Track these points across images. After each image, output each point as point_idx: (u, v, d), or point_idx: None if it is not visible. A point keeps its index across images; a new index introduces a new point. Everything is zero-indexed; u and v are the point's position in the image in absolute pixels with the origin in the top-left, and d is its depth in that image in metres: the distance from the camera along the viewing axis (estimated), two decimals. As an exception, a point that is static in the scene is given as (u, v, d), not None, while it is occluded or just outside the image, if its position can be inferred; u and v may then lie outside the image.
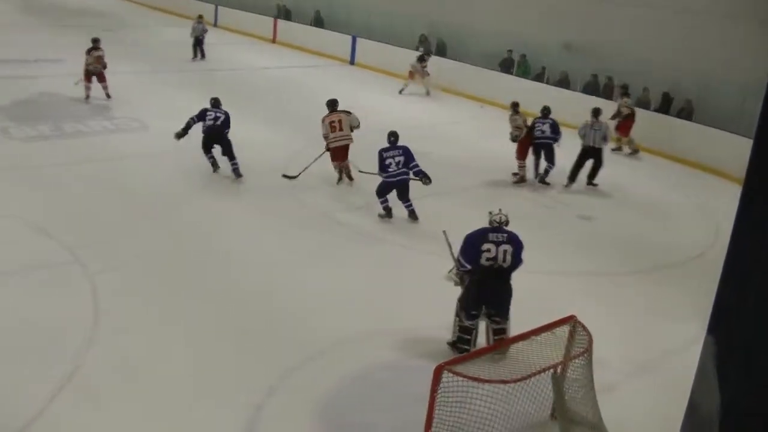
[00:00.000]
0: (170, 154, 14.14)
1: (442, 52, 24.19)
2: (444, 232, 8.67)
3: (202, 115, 13.34)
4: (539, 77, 21.22)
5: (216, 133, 13.20)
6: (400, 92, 22.27)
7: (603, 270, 10.96)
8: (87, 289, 9.06)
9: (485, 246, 7.79)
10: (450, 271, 8.46)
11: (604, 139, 14.46)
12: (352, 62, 26.56)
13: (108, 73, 18.16)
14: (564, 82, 20.46)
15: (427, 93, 22.44)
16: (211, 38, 29.13)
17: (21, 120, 15.73)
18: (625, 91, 17.64)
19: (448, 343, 8.26)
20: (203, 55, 25.57)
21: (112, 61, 19.67)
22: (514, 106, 14.90)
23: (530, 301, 9.31)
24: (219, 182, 13.07)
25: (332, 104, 13.66)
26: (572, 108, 19.07)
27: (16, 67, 20.30)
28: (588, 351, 6.39)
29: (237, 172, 13.23)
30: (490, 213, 8.04)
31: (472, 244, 7.88)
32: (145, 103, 18.12)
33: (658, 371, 8.29)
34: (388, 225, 11.82)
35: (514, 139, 14.55)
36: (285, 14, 31.03)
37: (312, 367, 7.84)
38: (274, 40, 30.06)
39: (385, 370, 7.92)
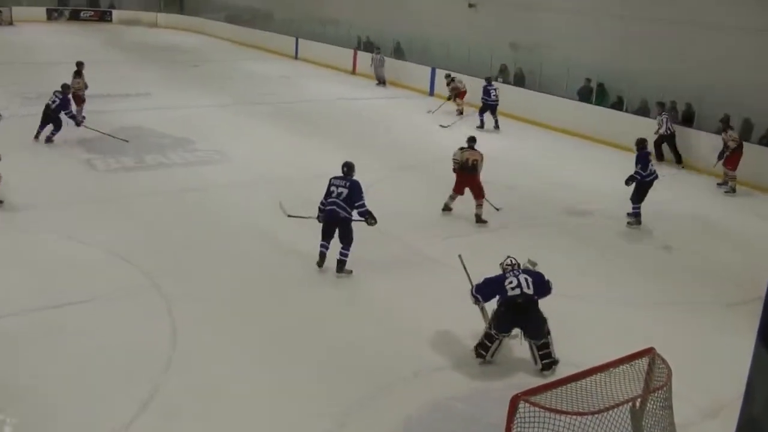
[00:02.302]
0: (249, 184, 14.43)
1: (520, 82, 24.06)
2: (459, 256, 9.15)
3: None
4: (617, 105, 20.85)
5: (51, 112, 16.27)
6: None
7: (685, 301, 10.64)
8: (166, 315, 9.28)
9: (507, 280, 8.36)
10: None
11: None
12: (431, 93, 26.56)
13: (193, 107, 18.55)
14: (643, 110, 20.02)
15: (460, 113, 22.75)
16: (291, 71, 29.71)
17: (105, 152, 16.26)
18: (727, 124, 16.59)
19: (476, 351, 8.55)
20: (384, 83, 28.04)
21: (196, 94, 20.20)
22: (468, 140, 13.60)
23: (608, 331, 9.19)
24: (295, 213, 13.05)
25: None
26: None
27: (102, 102, 20.90)
28: (667, 385, 6.16)
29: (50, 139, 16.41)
30: (501, 264, 8.66)
31: (493, 283, 8.46)
32: (226, 135, 18.59)
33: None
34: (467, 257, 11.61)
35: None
36: (366, 46, 31.30)
37: (388, 396, 7.84)
38: (353, 72, 30.38)
39: (461, 400, 7.86)
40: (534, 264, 8.87)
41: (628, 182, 13.43)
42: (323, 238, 10.78)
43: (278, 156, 16.85)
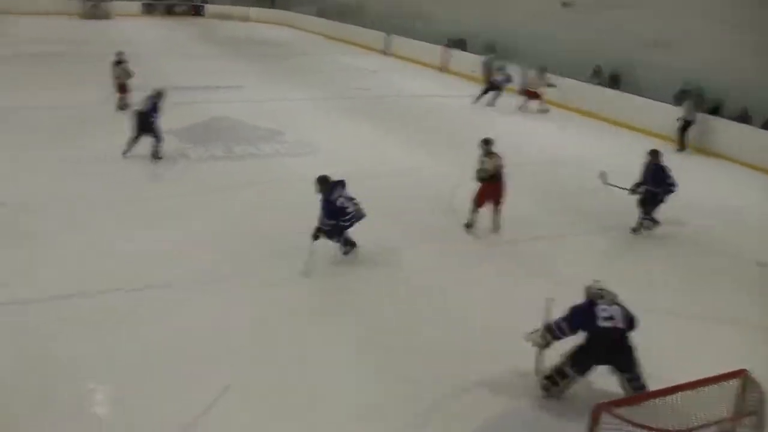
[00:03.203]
0: (335, 177, 14.36)
1: (616, 83, 23.50)
2: (548, 300, 7.83)
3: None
4: (715, 112, 20.00)
5: (144, 118, 14.84)
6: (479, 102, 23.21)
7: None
8: (247, 304, 9.45)
9: (599, 308, 7.44)
10: (533, 332, 7.84)
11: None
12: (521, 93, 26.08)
13: (283, 100, 18.66)
14: (743, 118, 19.24)
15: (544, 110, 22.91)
16: (381, 66, 29.70)
17: (197, 142, 16.62)
18: None
19: (542, 382, 7.83)
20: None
21: (287, 87, 20.31)
22: (487, 144, 12.22)
23: (698, 349, 8.82)
24: (387, 206, 12.95)
25: None
26: (750, 144, 18.09)
27: (196, 93, 21.30)
28: (761, 410, 5.87)
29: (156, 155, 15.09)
30: (588, 288, 7.72)
31: (583, 311, 7.50)
32: (315, 128, 18.78)
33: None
34: (550, 258, 11.39)
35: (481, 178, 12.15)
36: (458, 43, 31.03)
37: (467, 398, 7.74)
38: (443, 69, 30.16)
39: (538, 408, 7.71)
40: None
41: (640, 193, 12.53)
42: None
43: (365, 150, 16.89)
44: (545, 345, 7.75)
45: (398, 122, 20.22)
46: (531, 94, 22.92)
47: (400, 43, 33.38)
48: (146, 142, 14.96)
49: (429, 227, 12.36)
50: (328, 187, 10.57)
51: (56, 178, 13.65)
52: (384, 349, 8.61)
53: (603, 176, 12.89)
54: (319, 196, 10.53)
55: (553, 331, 7.60)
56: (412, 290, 10.22)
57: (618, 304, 7.51)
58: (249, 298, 9.56)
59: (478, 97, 23.40)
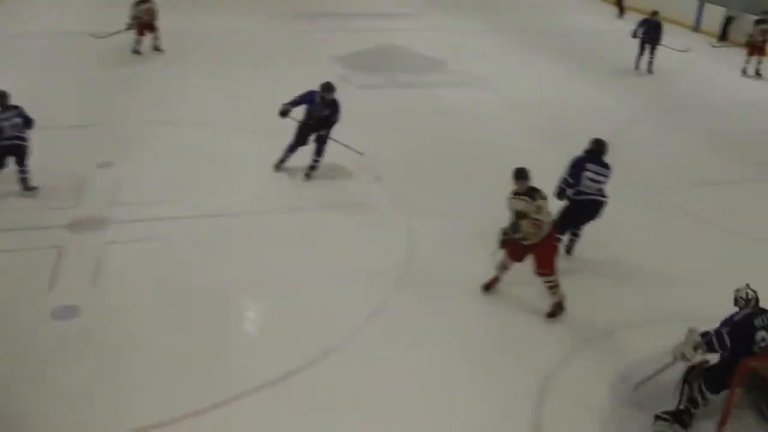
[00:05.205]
0: (499, 107, 14.62)
1: None
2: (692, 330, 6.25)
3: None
4: None
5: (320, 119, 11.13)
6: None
7: None
8: (403, 234, 9.54)
9: (759, 335, 6.08)
10: (695, 348, 6.15)
11: None
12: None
13: (454, 31, 19.37)
14: None
15: None
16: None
17: (360, 68, 16.78)
18: None
19: (662, 415, 6.33)
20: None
21: (459, 18, 20.15)
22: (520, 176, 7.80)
23: None
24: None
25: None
26: None
27: (366, 20, 21.47)
28: None
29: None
30: (737, 290, 6.35)
31: (740, 328, 6.09)
32: (482, 61, 18.36)
33: None
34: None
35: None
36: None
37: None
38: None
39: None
40: None
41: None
42: None
43: (533, 83, 16.63)
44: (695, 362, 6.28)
45: (569, 58, 19.32)
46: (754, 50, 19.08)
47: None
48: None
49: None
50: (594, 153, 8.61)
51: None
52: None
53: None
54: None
55: (711, 345, 6.12)
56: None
57: None
58: (403, 230, 9.65)
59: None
